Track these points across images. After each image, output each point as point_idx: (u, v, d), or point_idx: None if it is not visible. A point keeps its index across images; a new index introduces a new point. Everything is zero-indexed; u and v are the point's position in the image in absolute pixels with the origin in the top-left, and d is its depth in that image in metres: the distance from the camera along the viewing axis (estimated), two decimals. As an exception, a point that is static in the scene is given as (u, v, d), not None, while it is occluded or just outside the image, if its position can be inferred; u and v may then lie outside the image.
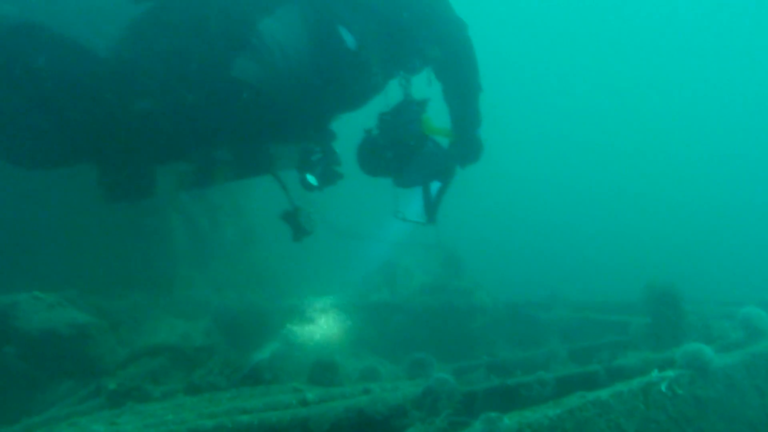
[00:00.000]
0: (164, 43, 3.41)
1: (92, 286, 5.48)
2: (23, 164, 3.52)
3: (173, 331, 5.01)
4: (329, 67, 3.65)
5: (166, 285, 6.38)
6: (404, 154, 4.01)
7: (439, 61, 3.96)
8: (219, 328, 5.69)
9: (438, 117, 4.29)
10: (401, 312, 7.10)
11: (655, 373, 3.07)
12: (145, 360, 3.81)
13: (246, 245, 8.35)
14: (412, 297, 7.31)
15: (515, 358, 5.26)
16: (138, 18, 3.59)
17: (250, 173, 4.01)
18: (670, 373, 3.07)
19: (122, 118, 3.33)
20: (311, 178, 4.08)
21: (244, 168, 3.92)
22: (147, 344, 3.95)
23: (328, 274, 9.28)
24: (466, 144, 4.18)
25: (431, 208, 4.31)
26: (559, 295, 7.37)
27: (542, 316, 6.85)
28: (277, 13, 3.50)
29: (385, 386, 3.24)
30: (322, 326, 6.73)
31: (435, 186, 4.28)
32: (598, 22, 32.96)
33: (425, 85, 4.33)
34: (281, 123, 3.70)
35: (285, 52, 3.47)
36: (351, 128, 4.34)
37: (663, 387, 2.98)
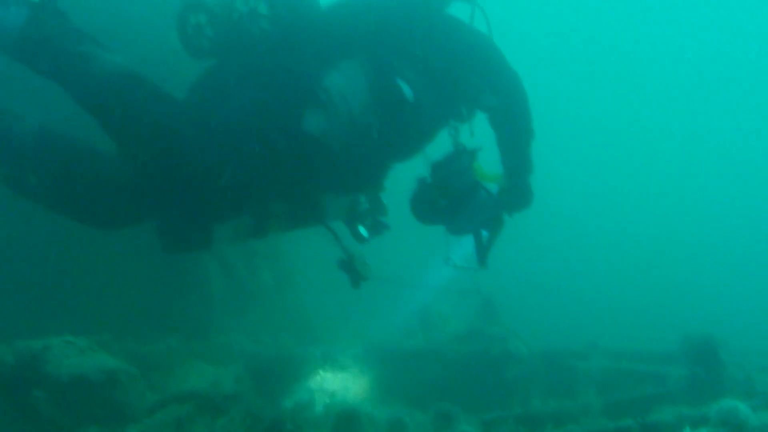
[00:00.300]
0: (237, 97, 3.50)
1: (127, 329, 5.52)
2: (98, 224, 3.62)
3: (204, 377, 5.01)
4: (389, 118, 3.73)
5: (201, 330, 6.39)
6: (457, 203, 4.03)
7: (496, 109, 4.02)
8: (251, 375, 5.69)
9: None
10: (435, 359, 7.03)
11: (687, 430, 2.98)
12: (172, 407, 3.81)
13: (282, 290, 8.37)
14: (446, 344, 7.24)
15: (548, 410, 5.15)
16: (209, 72, 3.66)
17: (302, 224, 4.04)
18: (703, 431, 2.98)
19: (198, 173, 3.39)
20: (363, 230, 4.15)
21: (298, 219, 3.98)
22: (175, 391, 3.95)
23: (364, 319, 9.25)
24: (517, 191, 4.20)
25: (482, 254, 4.28)
26: (598, 343, 7.24)
27: (579, 365, 6.70)
28: (340, 66, 3.62)
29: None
30: (354, 374, 6.71)
31: (486, 232, 4.28)
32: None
33: (468, 136, 4.37)
34: (340, 175, 3.77)
35: (348, 105, 3.57)
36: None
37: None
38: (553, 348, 7.24)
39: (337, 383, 6.44)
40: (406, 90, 3.77)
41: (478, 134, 4.32)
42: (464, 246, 4.41)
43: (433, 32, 3.94)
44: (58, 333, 4.43)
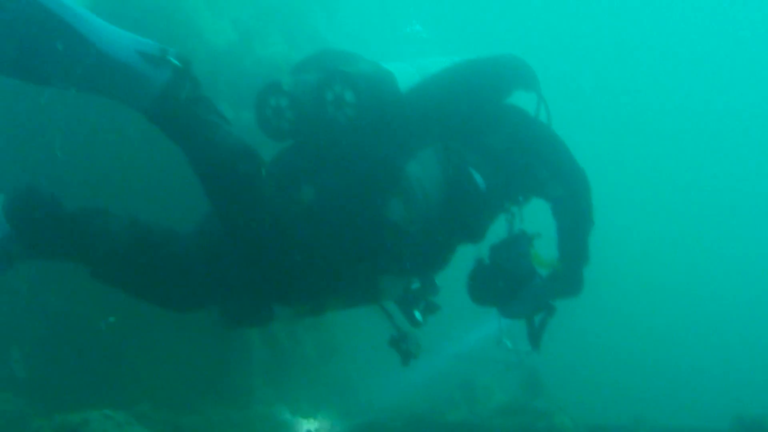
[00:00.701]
0: (321, 181, 3.57)
1: (167, 399, 5.56)
2: (175, 307, 3.71)
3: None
4: (461, 206, 3.83)
5: (242, 400, 6.41)
6: (514, 286, 4.09)
7: (561, 199, 4.14)
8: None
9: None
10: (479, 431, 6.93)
11: None
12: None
13: (324, 360, 8.36)
14: (490, 418, 7.13)
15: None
16: (289, 154, 3.83)
17: (357, 304, 4.06)
18: None
19: (280, 253, 3.46)
20: (418, 315, 4.18)
21: (355, 299, 4.00)
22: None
23: (406, 389, 9.15)
24: (569, 279, 4.24)
25: (534, 338, 4.29)
26: (646, 417, 7.08)
27: (625, 442, 6.55)
28: (418, 155, 3.71)
29: None
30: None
31: (539, 316, 4.29)
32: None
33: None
34: (410, 259, 3.78)
35: (426, 193, 3.68)
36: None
37: None
38: (600, 423, 7.07)
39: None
40: (478, 179, 3.87)
41: (529, 220, 4.37)
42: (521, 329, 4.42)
43: (500, 122, 4.10)
44: (99, 404, 4.49)
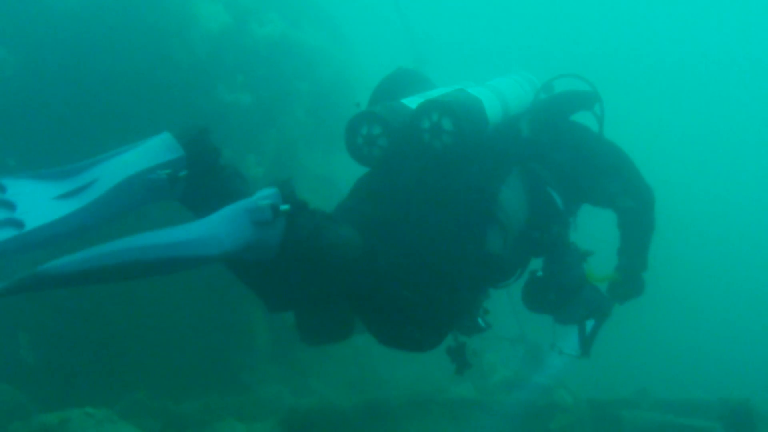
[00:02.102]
0: (419, 216, 3.57)
1: (164, 386, 5.68)
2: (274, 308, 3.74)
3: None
4: (542, 226, 3.96)
5: (243, 382, 6.53)
6: (565, 297, 4.25)
7: (631, 211, 4.31)
8: (286, 431, 5.78)
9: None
10: (481, 408, 7.00)
11: None
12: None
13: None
14: (492, 393, 7.20)
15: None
16: (382, 185, 3.74)
17: None
18: None
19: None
20: (481, 321, 4.26)
21: None
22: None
23: (419, 364, 9.22)
24: (629, 285, 4.47)
25: (586, 343, 4.51)
26: (649, 390, 7.08)
27: (625, 415, 6.55)
28: (507, 181, 3.77)
29: None
30: (400, 426, 6.73)
31: (590, 323, 4.53)
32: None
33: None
34: (498, 280, 3.94)
35: (517, 218, 3.74)
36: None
37: None
38: (601, 397, 7.09)
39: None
40: (557, 199, 4.03)
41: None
42: (573, 334, 4.63)
43: (567, 139, 4.25)
44: (95, 393, 4.62)
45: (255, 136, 7.65)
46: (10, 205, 2.71)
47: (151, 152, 3.01)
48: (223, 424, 5.49)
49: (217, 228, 2.69)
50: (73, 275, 2.17)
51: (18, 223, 2.59)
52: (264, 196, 2.86)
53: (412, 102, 3.82)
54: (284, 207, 2.92)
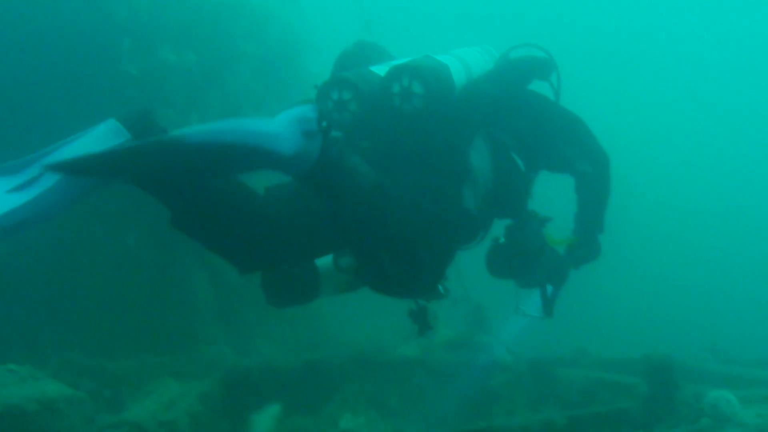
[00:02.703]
0: (400, 176, 3.64)
1: (99, 345, 5.67)
2: (241, 266, 3.73)
3: (163, 396, 5.11)
4: (507, 188, 4.15)
5: (185, 342, 6.54)
6: (527, 262, 4.49)
7: (588, 175, 4.49)
8: (226, 389, 5.81)
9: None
10: (422, 367, 7.09)
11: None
12: (108, 434, 3.93)
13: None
14: (434, 352, 7.28)
15: (511, 425, 5.16)
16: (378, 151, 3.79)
17: None
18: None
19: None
20: (441, 288, 4.26)
21: None
22: (110, 420, 4.06)
23: (370, 323, 9.28)
24: (589, 247, 4.73)
25: (548, 304, 4.82)
26: (588, 350, 7.21)
27: (562, 374, 6.67)
28: (474, 143, 3.90)
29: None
30: (339, 385, 6.79)
31: (551, 286, 4.83)
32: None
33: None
34: (463, 239, 4.09)
35: (484, 179, 3.89)
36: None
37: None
38: (541, 356, 7.20)
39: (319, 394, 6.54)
40: (519, 161, 4.26)
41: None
42: (535, 297, 4.91)
43: (526, 107, 4.41)
44: (25, 352, 4.60)
45: (199, 97, 7.60)
46: None
47: (98, 140, 2.97)
48: (158, 382, 5.50)
49: (285, 129, 2.90)
50: (194, 146, 2.46)
51: None
52: (308, 109, 3.04)
53: (379, 69, 3.91)
54: (323, 123, 3.05)
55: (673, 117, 30.01)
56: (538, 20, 28.47)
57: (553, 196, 4.97)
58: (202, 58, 7.54)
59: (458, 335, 7.52)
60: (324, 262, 3.95)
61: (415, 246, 3.54)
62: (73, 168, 2.49)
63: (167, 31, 7.36)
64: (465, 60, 4.26)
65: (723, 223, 22.35)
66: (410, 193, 3.61)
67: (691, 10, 32.73)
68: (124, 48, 7.02)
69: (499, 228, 4.48)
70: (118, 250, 6.75)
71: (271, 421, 5.49)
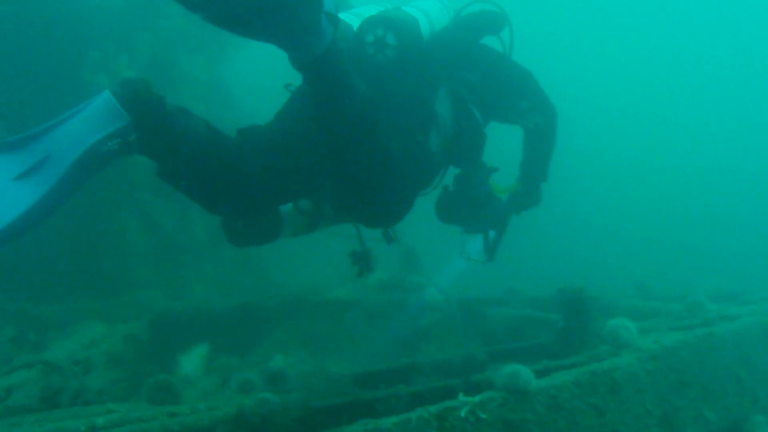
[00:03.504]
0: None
1: (25, 289, 5.64)
2: (218, 211, 3.73)
3: (84, 338, 5.11)
4: (465, 136, 4.39)
5: (115, 287, 6.53)
6: (474, 209, 4.76)
7: (538, 126, 4.73)
8: (152, 332, 5.84)
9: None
10: (356, 308, 7.18)
11: (460, 397, 3.07)
12: (21, 372, 3.94)
13: (217, 242, 8.47)
14: (367, 293, 7.37)
15: (433, 361, 5.26)
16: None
17: (340, 222, 4.50)
18: (477, 397, 3.08)
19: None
20: (391, 232, 4.66)
21: (340, 219, 4.42)
22: (25, 360, 4.06)
23: (312, 267, 9.35)
24: (532, 194, 5.05)
25: (491, 249, 5.20)
26: (517, 290, 7.36)
27: (489, 312, 6.83)
28: (438, 93, 4.15)
29: (214, 405, 3.31)
30: (272, 328, 6.86)
31: (493, 232, 5.18)
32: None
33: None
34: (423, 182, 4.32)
35: (446, 126, 4.16)
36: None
37: (462, 413, 2.98)
38: (472, 296, 7.35)
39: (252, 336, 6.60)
40: (477, 114, 4.45)
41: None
42: (478, 242, 5.28)
43: (481, 61, 4.60)
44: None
45: (127, 39, 7.46)
46: None
47: (97, 121, 3.07)
48: (83, 327, 5.49)
49: None
50: None
51: None
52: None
53: (347, 17, 4.16)
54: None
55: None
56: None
57: (498, 146, 5.11)
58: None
59: (391, 277, 7.61)
60: (285, 205, 4.16)
61: (395, 173, 3.73)
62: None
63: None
64: (428, 13, 4.40)
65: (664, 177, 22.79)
66: (386, 132, 3.71)
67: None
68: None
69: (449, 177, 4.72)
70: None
71: (198, 360, 5.52)
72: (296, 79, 4.06)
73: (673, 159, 24.90)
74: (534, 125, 4.74)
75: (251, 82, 11.72)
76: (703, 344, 4.17)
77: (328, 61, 3.24)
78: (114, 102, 3.04)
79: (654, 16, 32.55)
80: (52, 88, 6.49)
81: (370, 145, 3.58)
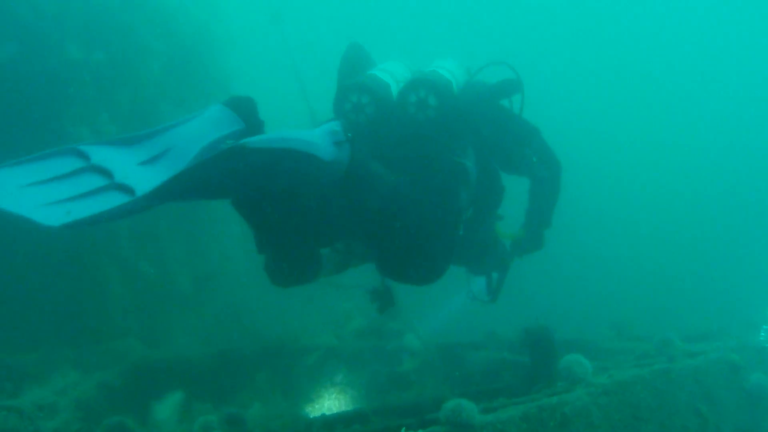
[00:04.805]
0: (413, 175, 4.32)
1: (5, 338, 5.70)
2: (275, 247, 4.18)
3: (58, 385, 5.15)
4: (488, 188, 4.87)
5: (93, 336, 6.57)
6: (481, 252, 5.31)
7: (545, 179, 5.24)
8: (127, 380, 5.87)
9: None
10: (335, 355, 7.21)
11: (402, 431, 3.12)
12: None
13: (201, 292, 8.53)
14: (348, 340, 7.41)
15: (405, 404, 5.28)
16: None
17: (365, 262, 4.85)
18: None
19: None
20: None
21: (367, 259, 4.78)
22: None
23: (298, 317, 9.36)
24: (535, 240, 5.43)
25: (494, 290, 5.62)
26: (496, 334, 7.38)
27: (469, 356, 6.85)
28: (467, 153, 4.58)
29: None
30: (251, 375, 6.88)
31: (496, 274, 5.62)
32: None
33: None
34: None
35: (473, 180, 4.55)
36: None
37: (406, 446, 3.02)
38: (451, 341, 7.37)
39: (231, 384, 6.63)
40: (497, 168, 4.98)
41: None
42: (481, 283, 5.69)
43: (498, 120, 5.06)
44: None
45: (108, 93, 7.62)
46: (104, 172, 3.01)
47: (215, 123, 3.46)
48: (57, 374, 5.53)
49: (321, 141, 3.50)
50: (262, 151, 3.04)
51: (125, 188, 2.89)
52: (335, 124, 3.72)
53: (383, 75, 4.66)
54: (349, 135, 3.70)
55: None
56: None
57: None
58: (109, 54, 7.57)
59: (371, 323, 7.65)
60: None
61: (429, 238, 4.18)
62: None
63: (73, 29, 7.38)
64: (455, 76, 4.86)
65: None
66: (418, 191, 4.21)
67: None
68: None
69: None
70: (28, 245, 6.75)
71: (173, 407, 5.53)
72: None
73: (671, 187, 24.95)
74: (540, 178, 5.23)
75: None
76: (660, 379, 4.20)
77: (350, 175, 3.74)
78: (227, 110, 3.42)
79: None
80: (35, 138, 6.64)
81: (404, 220, 4.08)
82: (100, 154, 3.13)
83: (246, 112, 3.47)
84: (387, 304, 5.15)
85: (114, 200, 2.82)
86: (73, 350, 6.22)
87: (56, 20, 7.26)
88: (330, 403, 6.80)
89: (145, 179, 2.99)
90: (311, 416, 4.59)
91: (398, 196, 4.12)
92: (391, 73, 4.79)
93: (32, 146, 6.56)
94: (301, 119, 6.57)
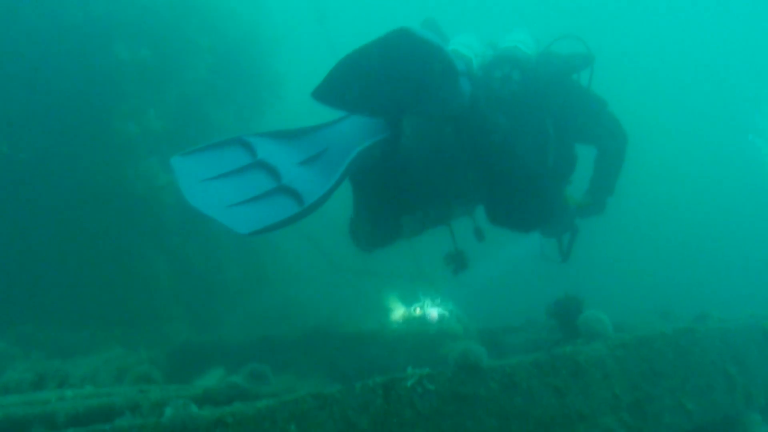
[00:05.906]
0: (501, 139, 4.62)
1: (54, 319, 5.95)
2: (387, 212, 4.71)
3: (102, 358, 5.36)
4: (565, 154, 5.16)
5: (141, 318, 6.79)
6: (553, 217, 5.46)
7: (611, 149, 5.53)
8: (171, 358, 6.06)
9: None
10: (377, 340, 7.28)
11: (408, 369, 3.19)
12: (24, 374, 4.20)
13: (254, 283, 8.71)
14: (388, 326, 7.48)
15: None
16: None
17: (438, 224, 5.37)
18: (426, 369, 3.19)
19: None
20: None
21: (446, 219, 5.36)
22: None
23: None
24: (598, 205, 5.76)
25: (565, 252, 5.92)
26: (535, 321, 7.37)
27: (507, 340, 6.85)
28: (546, 123, 4.97)
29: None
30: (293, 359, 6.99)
31: (567, 236, 5.92)
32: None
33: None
34: None
35: (552, 148, 4.93)
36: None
37: (409, 383, 3.10)
38: (491, 326, 7.38)
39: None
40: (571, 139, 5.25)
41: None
42: (554, 246, 6.00)
43: (570, 93, 5.31)
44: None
45: (155, 92, 7.90)
46: (271, 170, 3.40)
47: (367, 129, 3.80)
48: (106, 351, 5.75)
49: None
50: (423, 41, 3.39)
51: (292, 192, 3.27)
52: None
53: (458, 48, 4.92)
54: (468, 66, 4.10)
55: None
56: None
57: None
58: (157, 54, 7.85)
59: (413, 309, 7.72)
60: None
61: (541, 180, 4.63)
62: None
63: (121, 29, 7.69)
64: (531, 49, 5.15)
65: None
66: (526, 141, 4.61)
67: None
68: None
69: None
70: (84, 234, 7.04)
71: (213, 381, 5.69)
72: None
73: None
74: (606, 148, 5.53)
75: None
76: (685, 338, 4.16)
77: (472, 112, 4.03)
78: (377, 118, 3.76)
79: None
80: (87, 135, 6.93)
81: (514, 164, 4.40)
82: (264, 149, 3.52)
83: (395, 123, 3.85)
84: (461, 266, 5.44)
85: (287, 208, 3.24)
86: (120, 329, 6.44)
87: (105, 20, 7.57)
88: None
89: (308, 183, 3.36)
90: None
91: (516, 138, 4.45)
92: (471, 47, 5.03)
93: (85, 142, 6.90)
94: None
